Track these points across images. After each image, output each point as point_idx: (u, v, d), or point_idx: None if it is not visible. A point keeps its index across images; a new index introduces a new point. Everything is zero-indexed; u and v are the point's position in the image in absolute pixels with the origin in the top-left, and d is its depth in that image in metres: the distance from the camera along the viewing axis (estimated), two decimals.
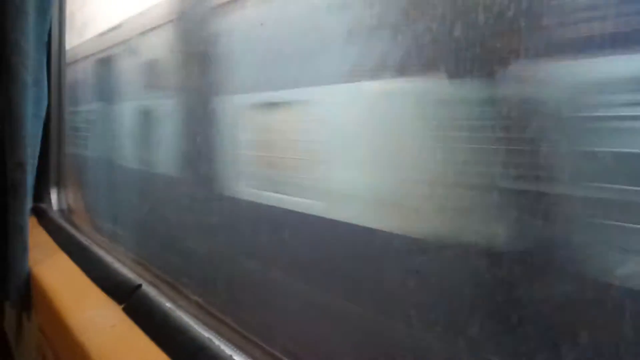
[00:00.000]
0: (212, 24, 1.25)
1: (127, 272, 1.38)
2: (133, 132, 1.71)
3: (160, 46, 1.52)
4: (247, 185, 1.14)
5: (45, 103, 1.65)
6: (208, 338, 0.97)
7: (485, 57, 0.63)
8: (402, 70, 0.76)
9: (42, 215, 2.15)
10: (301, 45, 0.98)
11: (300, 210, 0.97)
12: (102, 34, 2.05)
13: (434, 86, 0.72)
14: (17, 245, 1.51)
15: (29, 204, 1.58)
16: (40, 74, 1.61)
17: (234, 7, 1.18)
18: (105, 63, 2.03)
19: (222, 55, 1.20)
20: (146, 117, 1.61)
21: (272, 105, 1.07)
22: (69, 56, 2.34)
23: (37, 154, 1.64)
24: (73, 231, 1.89)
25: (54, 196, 2.29)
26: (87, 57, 2.24)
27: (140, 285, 1.25)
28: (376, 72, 0.81)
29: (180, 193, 1.36)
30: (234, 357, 0.91)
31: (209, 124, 1.23)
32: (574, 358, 0.54)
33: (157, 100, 1.54)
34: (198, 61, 1.27)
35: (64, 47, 2.33)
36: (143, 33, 1.63)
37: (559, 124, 0.58)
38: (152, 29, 1.55)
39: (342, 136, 0.90)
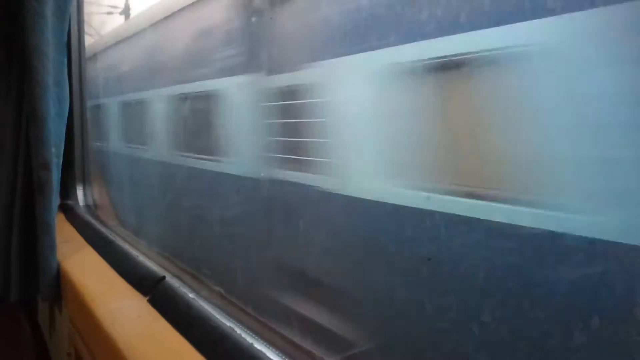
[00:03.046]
0: None
1: (151, 264, 1.42)
2: None
3: None
4: None
5: (67, 103, 1.69)
6: (230, 327, 1.00)
7: None
8: None
9: (69, 212, 2.21)
10: None
11: None
12: None
13: None
14: (46, 242, 1.56)
15: (56, 201, 1.64)
16: (61, 75, 1.65)
17: None
18: None
19: None
20: None
21: None
22: None
23: (61, 152, 1.68)
24: (99, 226, 1.95)
25: (80, 193, 2.35)
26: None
27: (164, 277, 1.28)
28: None
29: None
30: (255, 345, 0.93)
31: None
32: None
33: None
34: None
35: (84, 46, 2.38)
36: None
37: None
38: None
39: None
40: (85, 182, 2.39)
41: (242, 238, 1.61)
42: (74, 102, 2.21)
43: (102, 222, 2.11)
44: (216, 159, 1.87)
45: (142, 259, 1.47)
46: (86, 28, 2.41)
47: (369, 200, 1.19)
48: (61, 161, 1.68)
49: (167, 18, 2.32)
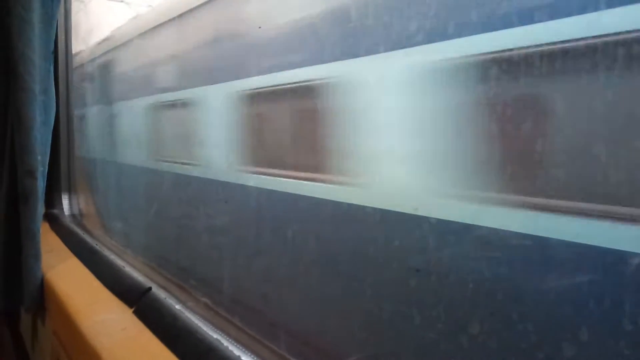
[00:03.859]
0: None
1: (137, 275, 1.39)
2: None
3: None
4: None
5: (53, 110, 1.67)
6: (216, 339, 0.98)
7: None
8: None
9: (54, 221, 2.18)
10: None
11: None
12: None
13: None
14: (30, 252, 1.53)
15: (41, 210, 1.61)
16: (48, 82, 1.63)
17: None
18: None
19: None
20: None
21: None
22: None
23: (47, 161, 1.66)
24: (84, 236, 1.92)
25: (65, 202, 2.32)
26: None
27: (150, 288, 1.26)
28: None
29: None
30: (242, 358, 0.92)
31: None
32: None
33: None
34: None
35: (71, 54, 2.35)
36: None
37: None
38: None
39: None
40: (71, 190, 2.36)
41: None
42: (61, 110, 2.19)
43: (87, 231, 2.08)
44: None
45: (128, 269, 1.45)
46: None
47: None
48: (47, 169, 1.66)
49: None
